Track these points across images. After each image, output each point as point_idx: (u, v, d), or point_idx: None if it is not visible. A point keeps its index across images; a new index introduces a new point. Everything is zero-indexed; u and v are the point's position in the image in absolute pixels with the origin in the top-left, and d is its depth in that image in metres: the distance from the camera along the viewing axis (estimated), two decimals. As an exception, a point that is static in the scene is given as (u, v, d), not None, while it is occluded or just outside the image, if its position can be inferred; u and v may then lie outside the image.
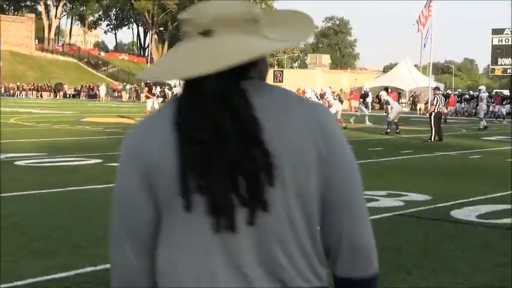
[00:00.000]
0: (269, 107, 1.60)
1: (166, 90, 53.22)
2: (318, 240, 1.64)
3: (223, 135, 1.52)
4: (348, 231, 1.64)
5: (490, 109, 45.64)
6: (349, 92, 53.03)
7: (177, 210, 1.57)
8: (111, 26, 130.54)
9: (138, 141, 1.64)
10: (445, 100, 34.06)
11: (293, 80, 58.61)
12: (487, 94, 40.04)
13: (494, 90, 58.14)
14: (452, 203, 9.67)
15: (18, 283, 5.46)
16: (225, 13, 1.57)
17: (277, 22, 1.68)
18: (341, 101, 34.54)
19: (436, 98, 23.04)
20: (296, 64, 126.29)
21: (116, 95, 74.42)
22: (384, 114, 29.14)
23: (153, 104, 28.49)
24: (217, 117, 1.53)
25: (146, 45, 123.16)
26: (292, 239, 1.58)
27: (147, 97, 30.61)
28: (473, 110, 45.90)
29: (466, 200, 9.93)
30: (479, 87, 47.42)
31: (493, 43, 68.11)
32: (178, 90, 20.14)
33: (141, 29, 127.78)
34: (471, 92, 58.29)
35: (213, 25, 1.57)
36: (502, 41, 67.37)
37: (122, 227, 1.67)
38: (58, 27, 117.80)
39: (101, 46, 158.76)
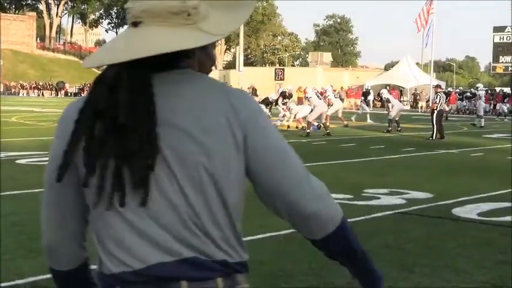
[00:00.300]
0: (185, 95, 1.66)
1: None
2: (237, 225, 1.72)
3: (103, 121, 1.62)
4: (292, 207, 1.71)
5: (491, 107, 45.61)
6: (347, 90, 53.10)
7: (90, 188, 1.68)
8: (113, 25, 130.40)
9: (64, 120, 1.74)
10: (446, 98, 34.03)
11: (294, 78, 58.65)
12: (484, 92, 39.86)
13: (496, 88, 58.10)
14: (453, 201, 9.65)
15: (19, 282, 5.46)
16: (154, 5, 1.62)
17: (219, 10, 1.71)
18: (341, 99, 34.54)
19: (438, 96, 23.00)
20: (297, 62, 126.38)
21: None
22: (386, 112, 29.14)
23: None
24: (103, 104, 1.63)
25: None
26: (210, 220, 1.66)
27: None
28: (475, 108, 45.86)
29: (467, 198, 9.91)
30: (477, 85, 47.45)
31: (494, 41, 68.09)
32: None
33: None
34: (472, 90, 58.33)
35: (142, 16, 1.64)
36: (503, 38, 67.33)
37: (48, 196, 1.81)
38: (59, 26, 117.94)
39: (102, 45, 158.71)
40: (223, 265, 1.67)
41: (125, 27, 1.73)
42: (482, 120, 31.98)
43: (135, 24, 1.65)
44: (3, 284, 5.35)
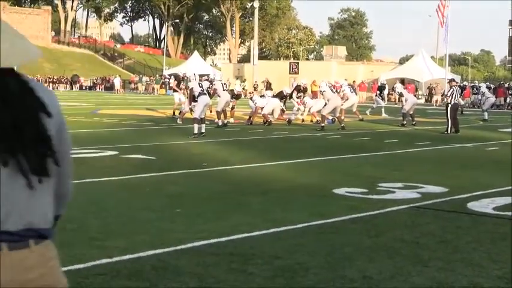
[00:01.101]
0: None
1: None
2: (58, 208, 2.23)
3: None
4: (66, 191, 2.29)
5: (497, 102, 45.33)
6: (360, 84, 53.08)
7: None
8: (127, 18, 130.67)
9: None
10: (461, 92, 33.86)
11: (309, 71, 58.47)
12: (487, 90, 39.65)
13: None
14: (468, 195, 9.62)
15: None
16: None
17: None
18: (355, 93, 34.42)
19: (452, 90, 22.89)
20: (312, 56, 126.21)
21: (132, 87, 74.75)
22: (400, 106, 29.01)
23: (180, 97, 28.03)
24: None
25: (162, 37, 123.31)
26: (45, 202, 2.10)
27: (175, 90, 30.03)
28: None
29: (482, 192, 9.87)
30: (480, 85, 47.32)
31: (510, 34, 67.67)
32: (193, 84, 20.07)
33: (156, 21, 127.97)
34: (488, 84, 57.98)
35: None
36: (519, 32, 66.82)
37: None
38: (74, 20, 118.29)
39: (116, 38, 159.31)
40: (36, 231, 2.07)
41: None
42: (486, 113, 31.92)
43: None
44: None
